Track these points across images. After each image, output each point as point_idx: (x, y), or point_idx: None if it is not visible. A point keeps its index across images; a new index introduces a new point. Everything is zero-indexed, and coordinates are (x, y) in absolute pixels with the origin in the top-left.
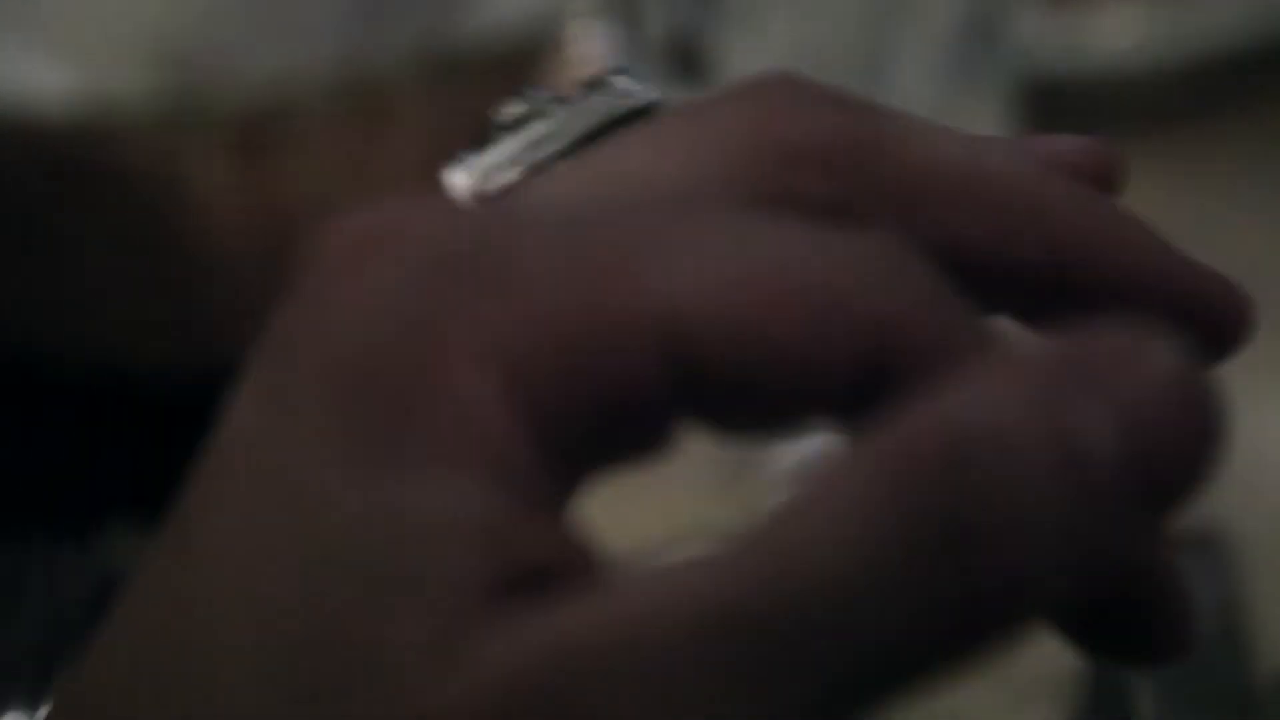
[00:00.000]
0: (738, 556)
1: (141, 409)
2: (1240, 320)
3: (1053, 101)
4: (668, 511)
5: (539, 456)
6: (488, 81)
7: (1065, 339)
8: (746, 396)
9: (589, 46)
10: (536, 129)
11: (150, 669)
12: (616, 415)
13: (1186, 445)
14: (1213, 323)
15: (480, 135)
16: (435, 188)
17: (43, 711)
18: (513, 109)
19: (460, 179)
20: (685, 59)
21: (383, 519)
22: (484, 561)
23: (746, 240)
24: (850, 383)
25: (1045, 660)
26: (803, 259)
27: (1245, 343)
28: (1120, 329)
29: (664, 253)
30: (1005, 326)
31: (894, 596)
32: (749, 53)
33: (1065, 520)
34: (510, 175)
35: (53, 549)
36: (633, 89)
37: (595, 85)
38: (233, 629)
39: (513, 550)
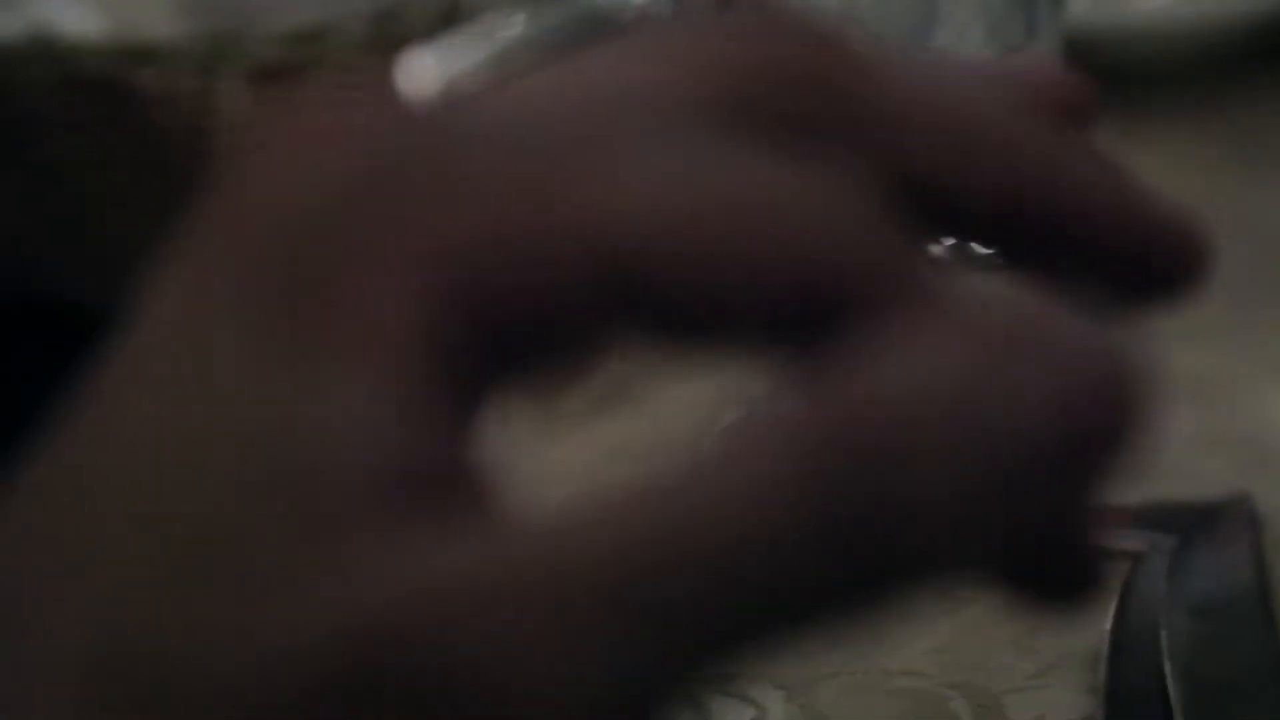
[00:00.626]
0: (636, 506)
1: None
2: (1196, 261)
3: (1092, 59)
4: None
5: (451, 368)
6: None
7: (997, 304)
8: (675, 316)
9: None
10: (506, 27)
11: (38, 536)
12: (541, 328)
13: (1108, 423)
14: (1169, 261)
15: (449, 19)
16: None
17: None
18: (486, 9)
19: (415, 70)
20: None
21: (279, 417)
22: (373, 470)
23: (691, 160)
24: (781, 311)
25: (1072, 633)
26: (745, 182)
27: (1200, 283)
28: (1053, 299)
29: (606, 167)
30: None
31: (792, 565)
32: None
33: (979, 492)
34: (465, 71)
35: None
36: (610, 2)
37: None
38: (124, 505)
39: (404, 461)
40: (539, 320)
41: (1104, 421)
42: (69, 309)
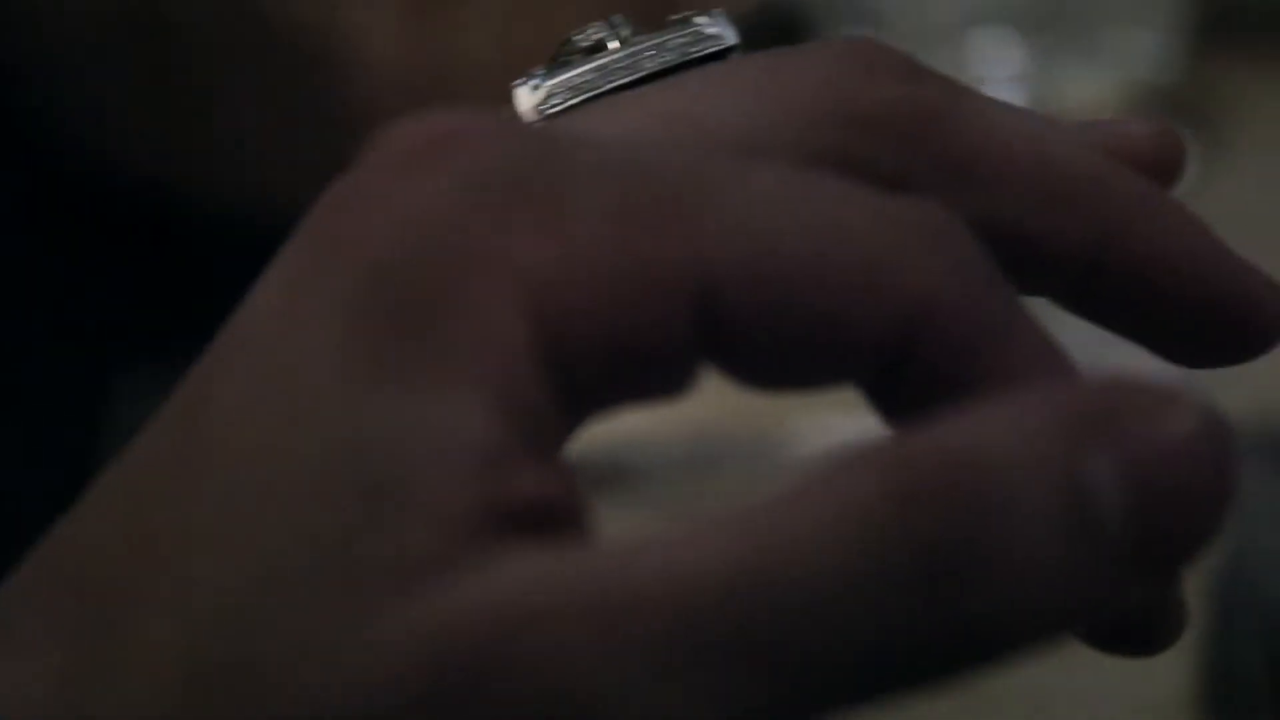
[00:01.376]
0: (724, 537)
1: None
2: (1274, 324)
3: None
4: None
5: (551, 391)
6: None
7: (1089, 381)
8: (771, 353)
9: None
10: (610, 58)
11: (135, 539)
12: (637, 357)
13: (1194, 509)
14: (1248, 323)
15: (556, 55)
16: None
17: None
18: (592, 33)
19: (525, 96)
20: None
21: (386, 431)
22: (477, 490)
23: (792, 199)
24: (877, 352)
25: None
26: (847, 225)
27: (1269, 348)
28: (1145, 380)
29: (708, 203)
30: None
31: (870, 610)
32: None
33: (1058, 566)
34: (574, 99)
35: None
36: (714, 31)
37: (678, 23)
38: (225, 517)
39: (508, 482)
40: (633, 347)
41: (1191, 511)
42: (188, 213)
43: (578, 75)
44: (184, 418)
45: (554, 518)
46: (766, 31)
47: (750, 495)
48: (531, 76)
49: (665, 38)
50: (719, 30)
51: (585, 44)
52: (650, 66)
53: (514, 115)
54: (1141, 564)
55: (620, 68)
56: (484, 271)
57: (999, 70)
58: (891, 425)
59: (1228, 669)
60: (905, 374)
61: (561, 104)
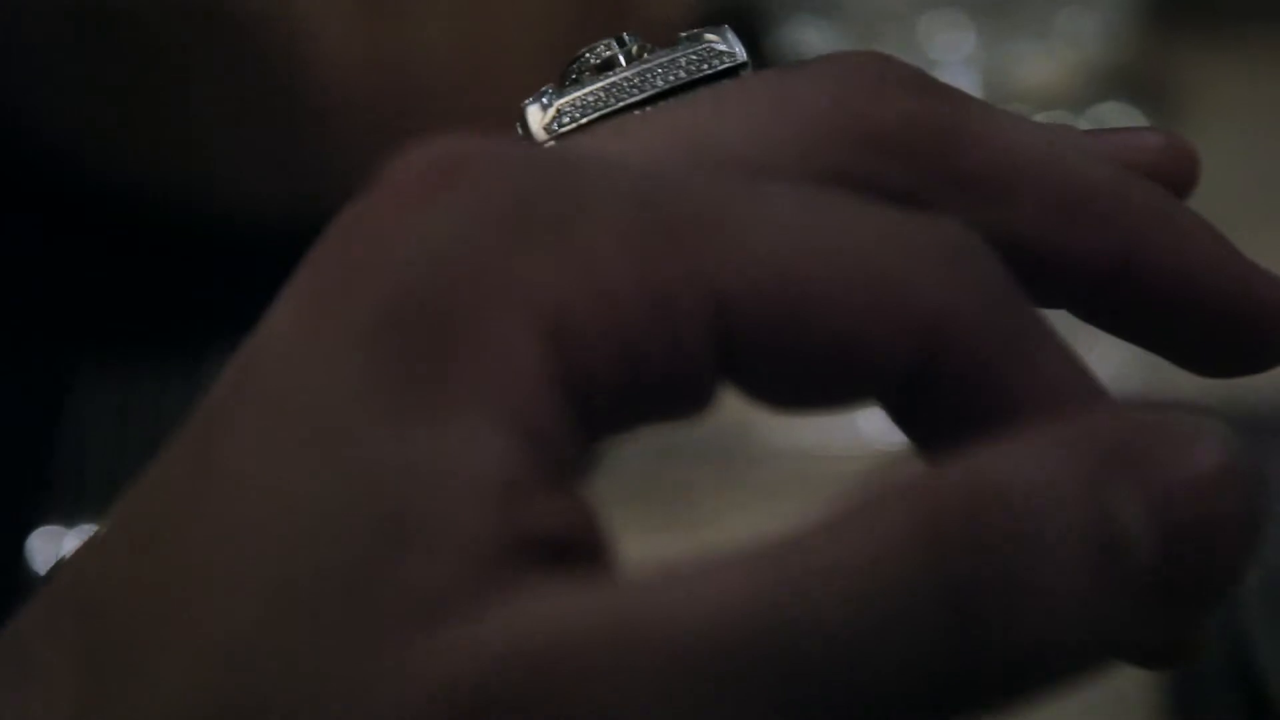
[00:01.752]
0: (753, 570)
1: (243, 245)
2: None
3: None
4: None
5: (569, 419)
6: None
7: (1115, 411)
8: (790, 373)
9: None
10: (620, 76)
11: (151, 572)
12: (655, 380)
13: (1221, 545)
14: (1267, 332)
15: (566, 72)
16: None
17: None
18: (603, 50)
19: (536, 115)
20: None
21: (404, 463)
22: (499, 522)
23: (808, 219)
24: (898, 371)
25: None
26: (863, 245)
27: None
28: (1171, 411)
29: (723, 225)
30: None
31: (899, 648)
32: None
33: (1088, 601)
34: (584, 118)
35: (159, 375)
36: (724, 48)
37: (689, 39)
38: (241, 551)
39: (529, 513)
40: (651, 370)
41: (1218, 546)
42: (150, 206)
43: (588, 93)
44: (199, 448)
45: (575, 547)
46: (722, 21)
47: (722, 485)
48: (542, 94)
49: (675, 55)
50: (729, 47)
51: (595, 61)
52: (661, 84)
53: (523, 134)
54: (1171, 597)
55: (631, 86)
56: (500, 301)
57: (951, 53)
58: (914, 441)
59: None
60: (927, 391)
61: (571, 123)
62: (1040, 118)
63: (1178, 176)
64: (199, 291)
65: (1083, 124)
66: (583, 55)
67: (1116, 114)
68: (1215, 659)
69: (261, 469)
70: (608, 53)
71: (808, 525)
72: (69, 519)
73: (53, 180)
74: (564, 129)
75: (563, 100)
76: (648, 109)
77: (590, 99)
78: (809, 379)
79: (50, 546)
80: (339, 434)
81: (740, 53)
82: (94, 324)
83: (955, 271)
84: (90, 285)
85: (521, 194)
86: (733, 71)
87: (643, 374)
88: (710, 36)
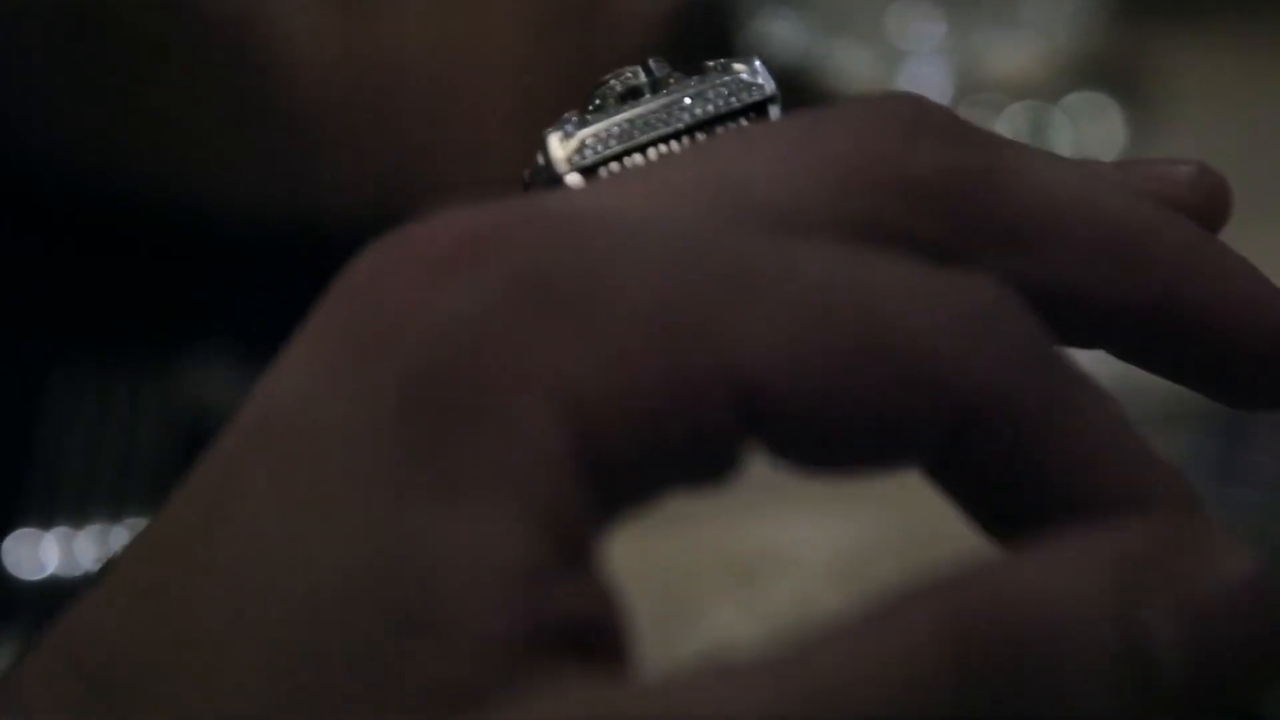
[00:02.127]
0: (776, 678)
1: (219, 246)
2: None
3: None
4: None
5: (590, 500)
6: None
7: (1139, 521)
8: (821, 444)
9: None
10: (647, 107)
11: (155, 633)
12: (680, 455)
13: (1251, 652)
14: None
15: (590, 97)
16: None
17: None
18: (628, 78)
19: (557, 144)
20: None
21: (424, 548)
22: (520, 612)
23: (841, 292)
24: (934, 439)
25: None
26: (898, 315)
27: None
28: (1192, 518)
29: (753, 299)
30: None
31: None
32: None
33: (1114, 716)
34: (608, 150)
35: (134, 378)
36: (753, 80)
37: (716, 69)
38: (247, 623)
39: (550, 601)
40: (675, 446)
41: (1249, 656)
42: (130, 207)
43: (612, 124)
44: (211, 504)
45: (594, 633)
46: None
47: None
48: (565, 122)
49: (703, 86)
50: (757, 79)
51: (620, 89)
52: (688, 119)
53: (544, 163)
54: (1198, 708)
55: (657, 119)
56: (523, 383)
57: (921, 44)
58: (955, 500)
59: None
60: (965, 456)
61: (595, 156)
62: (1013, 108)
63: (1210, 209)
64: (175, 293)
65: (1056, 114)
66: (608, 81)
67: (1089, 103)
68: None
69: (277, 542)
70: (634, 81)
71: (832, 628)
72: (45, 522)
73: (28, 182)
74: (587, 161)
75: (586, 131)
76: (674, 146)
77: (615, 130)
78: (840, 449)
79: (26, 549)
80: (358, 514)
81: (770, 86)
82: (69, 326)
83: (991, 339)
84: (66, 287)
85: (545, 270)
86: (761, 105)
87: (666, 454)
88: (738, 67)
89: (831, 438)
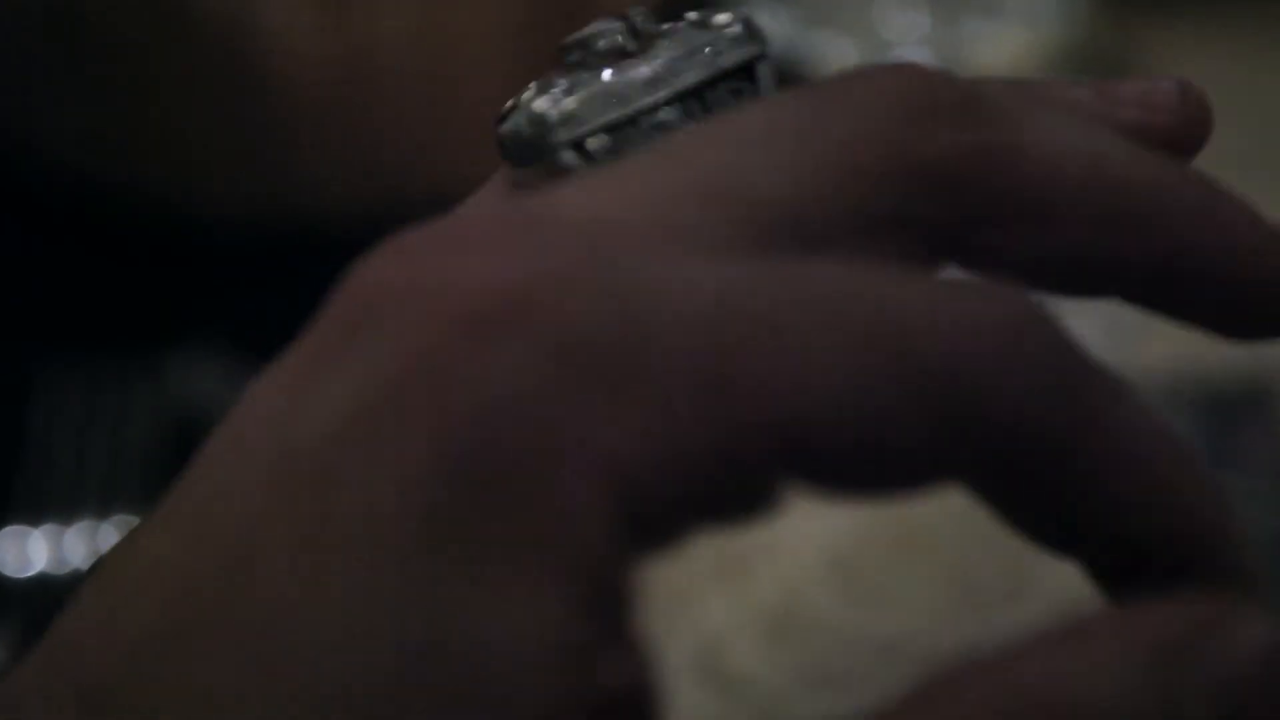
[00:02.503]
0: None
1: (208, 244)
2: None
3: None
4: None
5: (629, 559)
6: None
7: (1157, 603)
8: (861, 479)
9: None
10: (635, 70)
11: (161, 671)
12: (720, 506)
13: (1273, 716)
14: None
15: (566, 52)
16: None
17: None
18: (609, 35)
19: (546, 107)
20: None
21: (464, 627)
22: (567, 690)
23: (875, 320)
24: (974, 458)
25: None
26: (932, 340)
27: None
28: (1209, 595)
29: (793, 347)
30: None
31: None
32: None
33: None
34: (603, 117)
35: (124, 376)
36: (738, 33)
37: (699, 23)
38: (278, 696)
39: (590, 676)
40: (716, 500)
41: (1271, 713)
42: (119, 208)
43: (603, 89)
44: (228, 558)
45: (634, 700)
46: (679, 9)
47: None
48: (550, 84)
49: (689, 46)
50: (742, 27)
51: (604, 49)
52: (680, 84)
53: (528, 124)
54: None
55: (649, 81)
56: (564, 453)
57: (906, 35)
58: (1005, 518)
59: None
60: (1004, 474)
61: (588, 129)
62: None
63: (1193, 129)
64: (165, 292)
65: None
66: (587, 38)
67: None
68: None
69: (310, 605)
70: (614, 37)
71: (870, 712)
72: (34, 519)
73: (17, 181)
74: (580, 133)
75: (574, 99)
76: (667, 144)
77: (606, 95)
78: (880, 476)
79: (15, 546)
80: (399, 587)
81: (756, 39)
82: (59, 324)
83: (1028, 354)
84: (55, 285)
85: (586, 335)
86: (753, 62)
87: (707, 505)
88: (718, 20)
89: (873, 468)
